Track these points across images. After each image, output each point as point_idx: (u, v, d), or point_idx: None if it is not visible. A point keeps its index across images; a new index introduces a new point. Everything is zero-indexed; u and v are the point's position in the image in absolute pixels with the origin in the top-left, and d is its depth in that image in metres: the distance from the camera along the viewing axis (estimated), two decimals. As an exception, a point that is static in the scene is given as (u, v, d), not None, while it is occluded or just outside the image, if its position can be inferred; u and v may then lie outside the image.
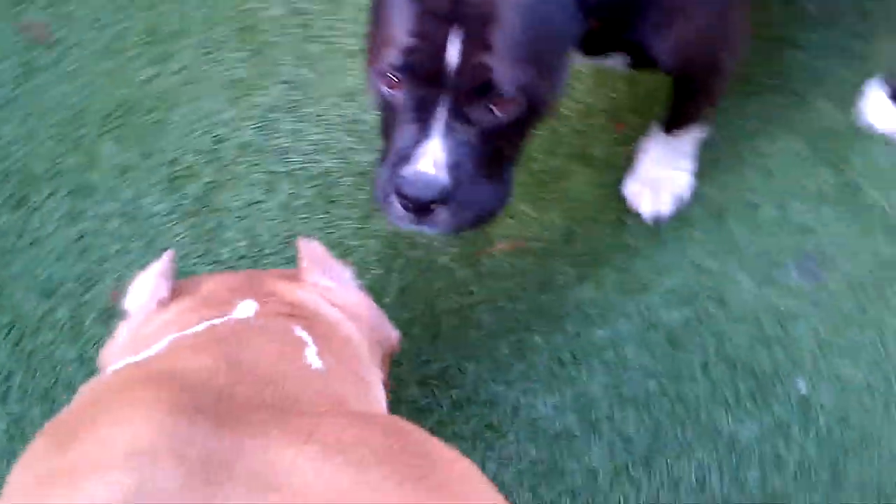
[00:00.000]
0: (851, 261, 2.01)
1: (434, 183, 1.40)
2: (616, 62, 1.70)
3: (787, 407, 1.85)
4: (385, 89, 1.42)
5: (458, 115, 1.38)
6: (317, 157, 2.14)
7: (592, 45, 1.54)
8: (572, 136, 2.17)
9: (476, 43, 1.33)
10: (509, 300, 1.98)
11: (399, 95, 1.41)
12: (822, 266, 2.01)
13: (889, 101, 2.15)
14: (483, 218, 1.50)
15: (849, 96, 2.20)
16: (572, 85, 2.16)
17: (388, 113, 1.46)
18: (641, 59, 1.68)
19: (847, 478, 1.77)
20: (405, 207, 1.45)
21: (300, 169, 2.12)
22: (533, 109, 1.41)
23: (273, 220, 2.06)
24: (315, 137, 2.16)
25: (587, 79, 2.21)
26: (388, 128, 1.48)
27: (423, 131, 1.40)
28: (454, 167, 1.40)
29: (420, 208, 1.44)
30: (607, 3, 1.46)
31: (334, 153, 2.14)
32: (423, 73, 1.36)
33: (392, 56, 1.37)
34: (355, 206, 2.08)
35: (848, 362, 1.90)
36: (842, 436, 1.82)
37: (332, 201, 2.08)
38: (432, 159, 1.40)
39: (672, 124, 1.98)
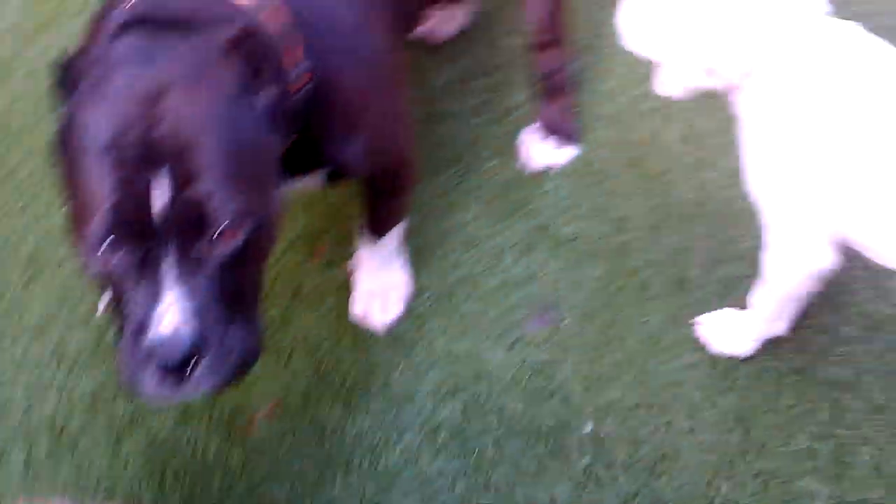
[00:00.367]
0: (575, 293, 2.13)
1: (182, 340, 1.30)
2: (313, 181, 1.70)
3: (585, 451, 1.92)
4: (102, 262, 1.30)
5: (186, 259, 1.30)
6: (36, 403, 1.98)
7: (292, 165, 1.52)
8: (279, 277, 2.15)
9: (182, 179, 1.27)
10: (292, 462, 1.92)
11: (118, 262, 1.30)
12: (554, 308, 2.11)
13: (542, 143, 2.31)
14: (245, 363, 1.40)
15: (509, 147, 2.34)
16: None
17: (113, 285, 1.33)
18: (337, 172, 1.69)
19: (665, 497, 1.87)
20: (159, 378, 1.33)
21: (24, 423, 1.96)
22: (257, 233, 1.35)
23: (16, 483, 1.89)
24: (24, 381, 2.01)
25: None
26: (118, 301, 1.35)
27: (156, 289, 1.30)
28: (198, 317, 1.31)
29: (175, 372, 1.32)
30: (298, 115, 1.46)
31: (53, 390, 2.00)
32: (135, 229, 1.27)
33: (98, 224, 1.27)
34: (99, 435, 1.95)
35: (615, 388, 2.00)
36: (642, 459, 1.91)
37: (76, 439, 1.94)
38: (173, 315, 1.30)
39: (375, 229, 2.01)
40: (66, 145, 1.34)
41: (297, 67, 1.47)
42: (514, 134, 2.35)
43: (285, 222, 2.14)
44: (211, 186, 1.29)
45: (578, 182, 2.29)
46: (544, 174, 2.30)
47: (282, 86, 1.41)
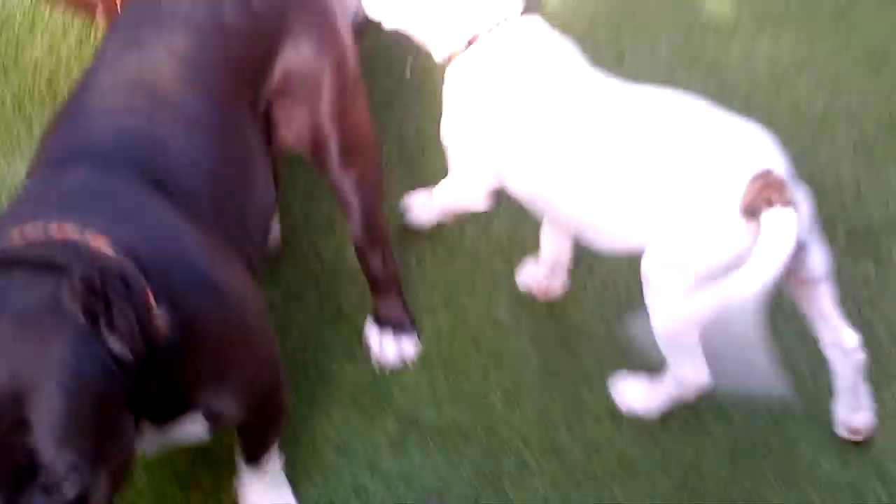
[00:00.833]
0: (456, 476, 2.18)
1: None
2: (194, 432, 1.68)
3: None
4: None
5: None
6: None
7: (161, 411, 1.52)
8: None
9: (11, 428, 1.24)
10: None
11: None
12: (440, 497, 2.15)
13: (385, 338, 2.39)
14: None
15: (358, 347, 2.41)
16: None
17: None
18: (212, 420, 1.68)
19: None
20: None
21: None
22: (96, 483, 1.31)
23: None
24: None
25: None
26: None
27: None
28: None
29: None
30: (155, 361, 1.43)
31: None
32: None
33: None
34: None
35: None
36: None
37: None
38: None
39: (252, 456, 2.01)
40: None
41: (152, 312, 1.46)
42: (358, 334, 2.41)
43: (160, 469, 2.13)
44: (44, 437, 1.26)
45: (430, 368, 2.37)
46: (398, 367, 2.37)
47: (132, 331, 1.39)
